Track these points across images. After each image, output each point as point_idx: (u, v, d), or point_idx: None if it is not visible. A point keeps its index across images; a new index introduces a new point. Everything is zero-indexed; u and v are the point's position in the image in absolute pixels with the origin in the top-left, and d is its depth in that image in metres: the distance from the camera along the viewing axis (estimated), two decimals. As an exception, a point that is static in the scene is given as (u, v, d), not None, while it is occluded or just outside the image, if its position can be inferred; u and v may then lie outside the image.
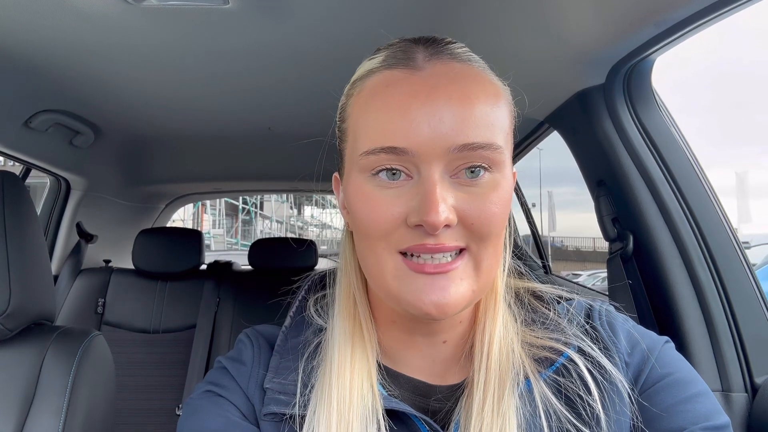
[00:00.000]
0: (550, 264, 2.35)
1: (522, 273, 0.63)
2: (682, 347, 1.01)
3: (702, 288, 1.02)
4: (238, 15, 0.98)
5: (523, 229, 2.36)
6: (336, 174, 0.61)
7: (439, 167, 0.48)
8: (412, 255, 0.50)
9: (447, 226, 0.47)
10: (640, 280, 1.12)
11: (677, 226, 1.05)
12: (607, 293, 1.24)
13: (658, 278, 1.07)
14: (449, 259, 0.49)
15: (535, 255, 2.32)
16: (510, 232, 0.57)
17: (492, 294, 0.57)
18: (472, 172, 0.49)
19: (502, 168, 0.50)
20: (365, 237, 0.51)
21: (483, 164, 0.49)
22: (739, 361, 0.98)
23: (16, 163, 1.74)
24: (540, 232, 2.38)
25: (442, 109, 0.48)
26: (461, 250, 0.50)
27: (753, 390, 0.97)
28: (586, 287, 2.45)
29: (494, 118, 0.50)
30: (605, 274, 1.25)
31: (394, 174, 0.49)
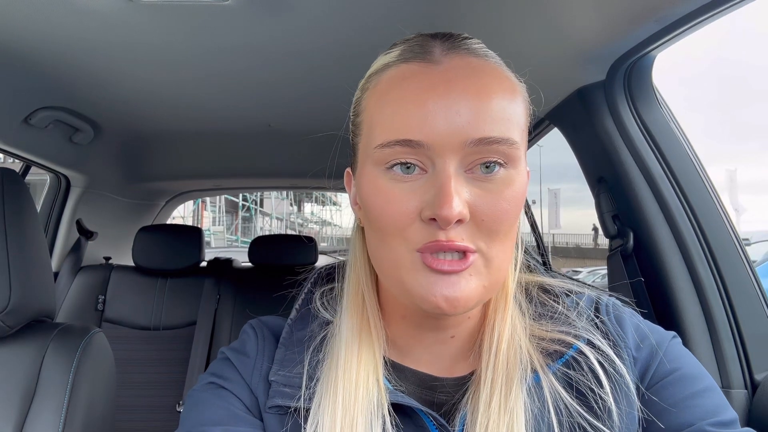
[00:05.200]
0: (551, 260, 2.35)
1: (531, 267, 0.63)
2: (682, 344, 1.01)
3: (702, 285, 1.01)
4: (237, 11, 0.98)
5: (524, 225, 2.36)
6: (348, 169, 0.61)
7: (454, 161, 0.48)
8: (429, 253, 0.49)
9: (459, 221, 0.47)
10: (641, 276, 1.12)
11: (677, 222, 1.05)
12: (607, 290, 1.24)
13: (658, 275, 1.07)
14: (461, 257, 0.49)
15: (536, 252, 2.32)
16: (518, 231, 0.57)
17: (502, 290, 0.57)
18: (486, 167, 0.48)
19: (517, 164, 0.50)
20: (379, 232, 0.51)
21: (498, 160, 0.48)
22: (739, 357, 0.98)
23: (16, 160, 1.74)
24: (540, 230, 2.38)
25: (458, 102, 0.48)
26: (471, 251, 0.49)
27: (753, 387, 0.97)
28: (587, 284, 2.44)
29: (511, 113, 0.50)
30: (605, 271, 1.25)
31: (408, 168, 0.49)
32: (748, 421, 0.94)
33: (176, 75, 1.34)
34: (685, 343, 0.99)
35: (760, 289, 1.02)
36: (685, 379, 0.54)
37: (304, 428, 0.53)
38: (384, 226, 0.50)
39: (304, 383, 0.55)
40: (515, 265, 0.58)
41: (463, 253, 0.49)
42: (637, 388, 0.54)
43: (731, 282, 1.01)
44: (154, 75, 1.34)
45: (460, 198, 0.47)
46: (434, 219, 0.47)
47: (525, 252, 0.62)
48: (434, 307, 0.48)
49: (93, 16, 1.00)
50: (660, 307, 1.07)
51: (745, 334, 0.99)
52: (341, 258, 0.64)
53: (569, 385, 0.54)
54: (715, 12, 0.86)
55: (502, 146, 0.48)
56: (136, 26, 1.05)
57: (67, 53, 1.19)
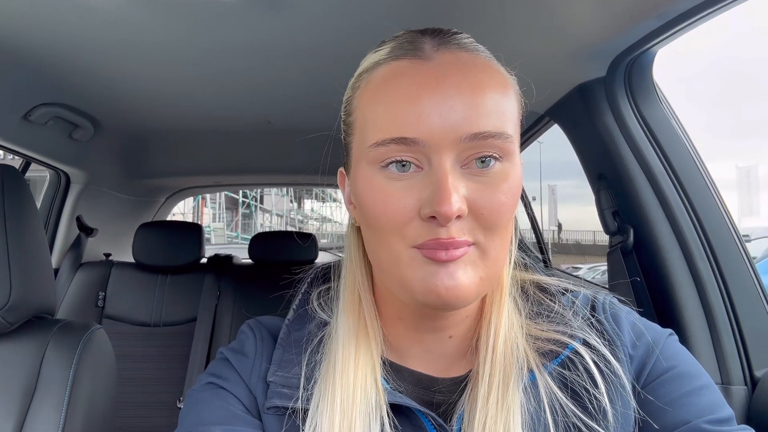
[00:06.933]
0: (550, 258, 2.35)
1: (527, 265, 0.63)
2: (682, 340, 0.99)
3: (702, 281, 1.02)
4: (238, 9, 0.98)
5: (524, 221, 2.36)
6: (341, 169, 0.60)
7: (450, 157, 0.47)
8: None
9: (459, 216, 0.47)
10: (640, 273, 1.12)
11: (677, 219, 1.05)
12: (607, 286, 1.24)
13: (658, 271, 1.07)
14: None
15: (535, 249, 2.31)
16: (516, 225, 0.57)
17: (498, 287, 0.57)
18: (482, 161, 0.48)
19: (512, 157, 0.50)
20: (377, 231, 0.51)
21: (494, 154, 0.48)
22: (738, 354, 0.98)
23: (16, 157, 1.74)
24: (540, 226, 2.38)
25: (452, 98, 0.47)
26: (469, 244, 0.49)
27: (753, 383, 0.97)
28: (587, 281, 2.45)
29: (504, 107, 0.49)
30: (605, 268, 1.25)
31: (403, 166, 0.48)
32: (747, 418, 0.94)
33: (176, 72, 1.34)
34: (685, 340, 1.00)
35: (760, 285, 1.03)
36: (682, 376, 0.54)
37: (303, 429, 0.52)
38: (381, 226, 0.50)
39: (302, 384, 0.54)
40: (510, 261, 0.58)
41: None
42: (634, 387, 0.54)
43: (731, 278, 1.01)
44: (154, 72, 1.34)
45: (458, 194, 0.46)
46: (433, 216, 0.47)
47: (522, 249, 0.62)
48: (435, 298, 0.48)
49: (93, 13, 1.00)
50: (660, 304, 1.08)
51: (745, 330, 0.99)
52: (341, 255, 0.64)
53: (564, 385, 0.54)
54: (715, 8, 0.86)
55: (497, 140, 0.48)
56: (137, 23, 1.05)
57: (67, 50, 1.19)
